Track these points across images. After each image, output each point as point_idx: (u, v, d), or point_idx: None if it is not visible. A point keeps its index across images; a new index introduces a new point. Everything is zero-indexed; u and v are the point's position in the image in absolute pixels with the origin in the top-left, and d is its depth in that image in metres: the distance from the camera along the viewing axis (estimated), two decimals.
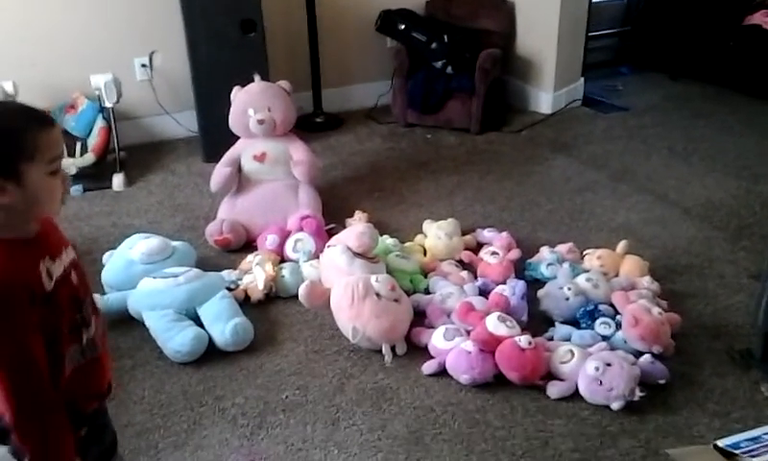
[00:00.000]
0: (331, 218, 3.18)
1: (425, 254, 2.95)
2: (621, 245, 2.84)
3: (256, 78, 3.30)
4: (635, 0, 5.56)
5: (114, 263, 2.77)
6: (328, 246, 2.76)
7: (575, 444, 2.03)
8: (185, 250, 2.89)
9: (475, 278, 2.76)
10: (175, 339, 2.38)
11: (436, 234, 2.95)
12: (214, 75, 3.70)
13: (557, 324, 2.50)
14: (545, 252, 2.87)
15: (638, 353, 2.27)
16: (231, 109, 3.24)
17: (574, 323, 2.49)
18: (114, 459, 1.51)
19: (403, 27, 4.38)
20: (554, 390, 2.19)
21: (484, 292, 2.64)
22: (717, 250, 3.01)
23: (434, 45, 4.34)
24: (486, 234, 3.07)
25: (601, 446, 2.02)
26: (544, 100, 4.60)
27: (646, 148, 4.07)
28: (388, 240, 2.94)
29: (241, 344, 2.43)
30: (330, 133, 4.36)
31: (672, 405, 2.16)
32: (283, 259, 2.89)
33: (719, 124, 4.40)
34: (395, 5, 4.44)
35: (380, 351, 2.39)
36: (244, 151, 3.25)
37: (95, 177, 3.66)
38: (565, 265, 2.72)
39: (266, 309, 2.66)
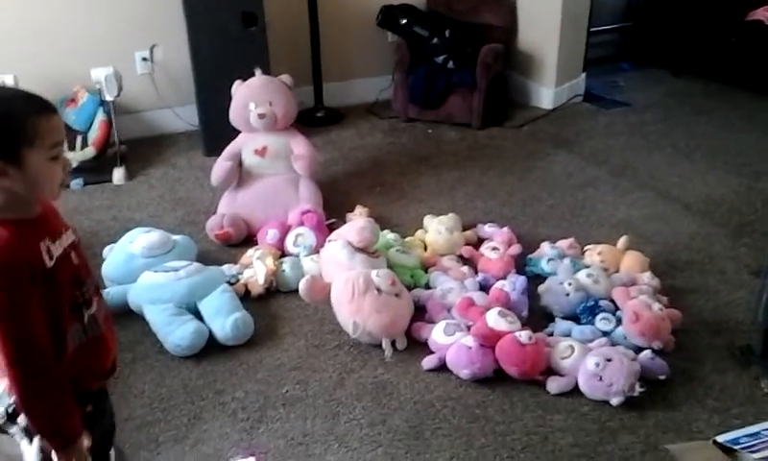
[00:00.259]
0: (332, 213, 3.18)
1: (426, 249, 2.95)
2: (622, 241, 2.84)
3: (257, 72, 3.29)
4: None
5: (115, 257, 2.77)
6: (329, 240, 2.76)
7: (575, 439, 2.03)
8: (186, 244, 2.89)
9: (476, 273, 2.76)
10: (175, 333, 2.38)
11: (437, 229, 2.95)
12: (215, 69, 3.69)
13: (557, 319, 2.50)
14: (546, 247, 2.87)
15: (639, 349, 2.27)
16: (232, 103, 3.24)
17: (574, 318, 2.49)
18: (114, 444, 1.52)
19: (405, 21, 4.37)
20: (554, 385, 2.20)
21: (484, 287, 2.64)
22: (718, 246, 3.01)
23: (435, 40, 4.33)
24: (486, 230, 3.06)
25: (600, 441, 2.02)
26: (546, 95, 4.60)
27: (647, 144, 4.07)
28: (389, 235, 2.94)
29: (241, 338, 2.43)
30: (331, 127, 4.36)
31: (672, 401, 2.16)
32: (284, 254, 2.89)
33: (721, 120, 4.39)
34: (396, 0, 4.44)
35: (380, 345, 2.39)
36: (245, 145, 3.25)
37: (96, 170, 3.66)
38: (566, 261, 2.72)
39: (266, 304, 2.66)
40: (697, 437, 2.01)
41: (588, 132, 4.27)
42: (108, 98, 3.65)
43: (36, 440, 1.29)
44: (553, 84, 4.56)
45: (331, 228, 3.00)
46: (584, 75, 4.81)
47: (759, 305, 2.25)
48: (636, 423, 2.08)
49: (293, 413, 2.14)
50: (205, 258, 2.85)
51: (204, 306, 2.50)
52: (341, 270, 2.53)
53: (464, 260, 2.86)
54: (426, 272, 2.78)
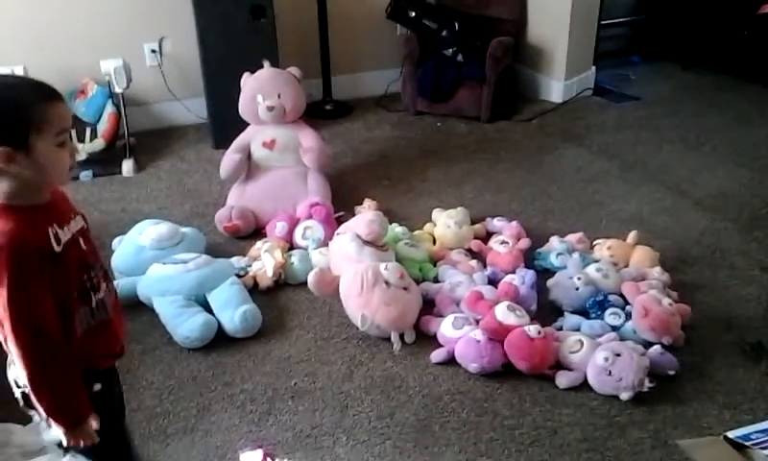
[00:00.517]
0: (340, 206, 3.18)
1: (435, 242, 2.94)
2: (631, 235, 2.83)
3: (266, 64, 3.29)
4: None
5: (124, 249, 2.78)
6: (337, 233, 2.76)
7: (583, 434, 2.02)
8: (195, 236, 2.89)
9: (484, 267, 2.75)
10: (184, 325, 2.39)
11: (445, 223, 2.94)
12: (224, 61, 3.69)
13: (566, 313, 2.49)
14: (555, 241, 2.86)
15: (648, 344, 2.26)
16: (241, 96, 3.24)
17: (584, 313, 2.48)
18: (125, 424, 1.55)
19: (414, 14, 4.35)
20: (563, 380, 2.19)
21: (493, 281, 2.63)
22: (728, 241, 2.99)
23: (444, 33, 4.31)
24: (495, 223, 3.06)
25: (609, 436, 2.01)
26: (555, 89, 4.57)
27: (658, 138, 4.05)
28: (397, 228, 2.94)
29: (250, 330, 2.43)
30: (340, 120, 4.36)
31: (681, 396, 2.15)
32: (292, 246, 2.90)
33: (732, 114, 4.36)
34: None
35: (389, 339, 2.39)
36: (253, 138, 3.25)
37: (105, 162, 3.67)
38: (575, 255, 2.71)
39: (275, 296, 2.66)
40: (707, 433, 2.00)
41: (598, 125, 4.25)
42: (118, 90, 3.66)
43: None
44: (563, 77, 4.53)
45: (340, 221, 2.99)
46: (594, 68, 4.78)
47: None
48: (646, 418, 2.07)
49: (301, 405, 2.15)
50: (214, 251, 2.86)
51: (212, 299, 2.51)
52: (349, 263, 2.53)
53: (472, 254, 2.86)
54: (435, 265, 2.78)
